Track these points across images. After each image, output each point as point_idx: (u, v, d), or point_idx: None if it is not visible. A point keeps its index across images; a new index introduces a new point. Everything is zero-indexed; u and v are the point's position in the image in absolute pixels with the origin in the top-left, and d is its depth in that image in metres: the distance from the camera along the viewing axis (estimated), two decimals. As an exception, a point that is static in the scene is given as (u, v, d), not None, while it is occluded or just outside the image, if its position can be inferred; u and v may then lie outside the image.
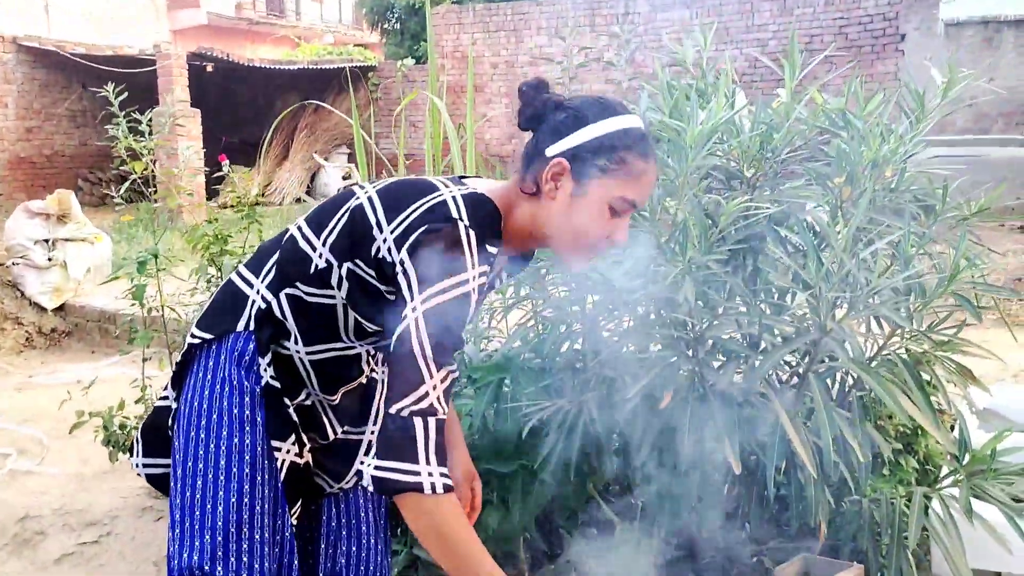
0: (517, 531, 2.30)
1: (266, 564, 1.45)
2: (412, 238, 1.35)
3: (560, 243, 1.43)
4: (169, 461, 1.57)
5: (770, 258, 2.00)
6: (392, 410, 1.29)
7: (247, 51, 16.74)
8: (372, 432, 1.64)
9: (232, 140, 13.05)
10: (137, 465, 1.64)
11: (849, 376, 2.20)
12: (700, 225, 1.90)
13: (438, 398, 1.30)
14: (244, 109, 14.00)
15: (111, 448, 2.89)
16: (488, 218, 1.40)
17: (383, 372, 1.65)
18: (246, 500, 1.45)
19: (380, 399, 1.64)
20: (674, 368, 1.89)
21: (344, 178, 12.47)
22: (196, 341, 1.53)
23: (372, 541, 1.71)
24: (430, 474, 1.28)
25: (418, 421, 1.28)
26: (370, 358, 1.61)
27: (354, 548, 1.69)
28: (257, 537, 1.45)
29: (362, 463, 1.42)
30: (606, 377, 2.02)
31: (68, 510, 3.07)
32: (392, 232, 1.38)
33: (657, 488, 2.15)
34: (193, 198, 8.53)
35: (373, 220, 1.41)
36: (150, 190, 3.16)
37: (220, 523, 1.44)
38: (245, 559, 1.44)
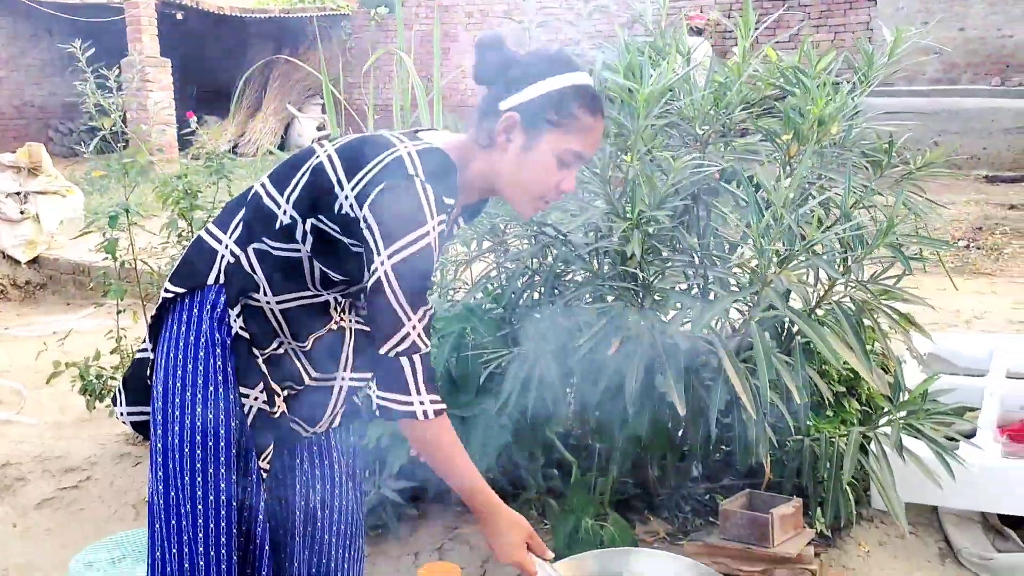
0: (480, 471, 2.42)
1: (234, 505, 1.55)
2: (372, 195, 1.43)
3: (511, 193, 1.54)
4: (150, 409, 1.66)
5: (718, 213, 2.10)
6: (381, 352, 1.44)
7: (217, -2, 16.42)
8: (343, 378, 1.72)
9: (204, 90, 12.91)
10: (122, 414, 1.73)
11: (795, 325, 2.32)
12: (649, 181, 1.99)
13: (419, 335, 1.44)
14: (215, 58, 13.80)
15: (88, 397, 2.98)
16: (443, 172, 1.48)
17: (351, 320, 1.74)
18: (222, 444, 1.54)
19: (349, 347, 1.72)
20: (624, 317, 1.99)
21: (318, 128, 12.40)
22: (169, 295, 1.61)
23: (343, 479, 1.82)
24: (421, 403, 1.44)
25: (404, 360, 1.43)
26: (337, 306, 1.68)
27: (328, 486, 1.79)
28: (223, 477, 1.54)
29: (362, 380, 1.56)
30: (562, 326, 2.12)
31: (47, 457, 3.17)
32: (353, 189, 1.46)
33: (611, 429, 2.27)
34: (163, 153, 8.52)
35: (334, 178, 1.49)
36: (119, 145, 3.19)
37: (199, 464, 1.54)
38: (212, 497, 1.54)
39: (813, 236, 1.91)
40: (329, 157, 1.51)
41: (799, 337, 2.29)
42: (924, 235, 2.34)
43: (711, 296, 2.19)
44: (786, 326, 2.36)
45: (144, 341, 1.70)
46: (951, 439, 2.35)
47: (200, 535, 1.54)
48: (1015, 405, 2.83)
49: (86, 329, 4.47)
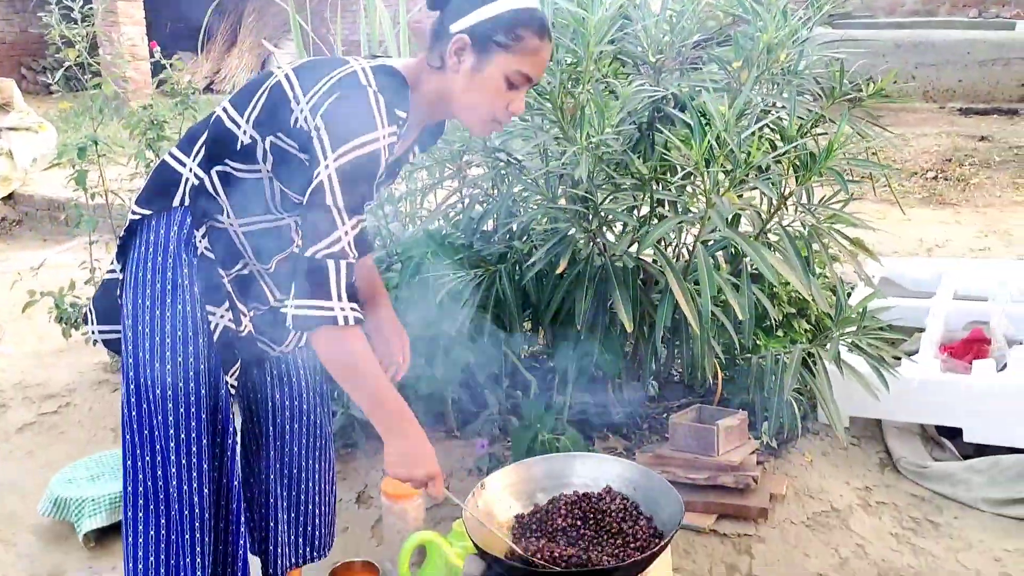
0: (445, 392, 2.53)
1: (203, 416, 1.64)
2: (326, 104, 1.49)
3: (463, 113, 1.59)
4: (120, 327, 1.73)
5: (664, 138, 2.17)
6: (307, 253, 1.46)
7: (189, -70, 16.04)
8: None
9: (177, 25, 12.70)
10: (93, 332, 1.80)
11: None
12: (599, 107, 2.05)
13: (349, 243, 1.48)
14: (188, -8, 13.55)
15: (64, 325, 3.05)
16: (395, 86, 1.55)
17: None
18: (191, 360, 1.62)
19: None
20: (573, 239, 2.07)
21: (295, 64, 12.26)
22: (136, 217, 1.66)
23: (309, 395, 1.91)
24: (342, 309, 1.46)
25: (331, 263, 1.46)
26: (299, 228, 1.72)
27: (295, 402, 1.89)
28: (192, 390, 1.62)
29: (284, 306, 1.54)
30: (516, 248, 2.20)
31: (27, 384, 3.26)
32: (308, 102, 1.52)
33: (566, 349, 2.37)
34: (129, 85, 8.42)
35: (291, 94, 1.54)
36: (86, 77, 3.21)
37: (169, 379, 1.61)
38: (182, 408, 1.62)
39: (755, 159, 1.99)
40: (287, 76, 1.57)
41: (748, 260, 2.38)
42: (874, 161, 2.42)
43: (657, 220, 2.27)
44: (737, 250, 2.45)
45: (112, 263, 1.75)
46: (896, 357, 2.48)
47: (172, 444, 1.62)
48: (958, 325, 2.95)
49: (63, 263, 4.51)
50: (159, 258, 1.62)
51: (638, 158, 2.22)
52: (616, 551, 1.61)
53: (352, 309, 1.48)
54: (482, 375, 2.47)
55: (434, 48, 1.58)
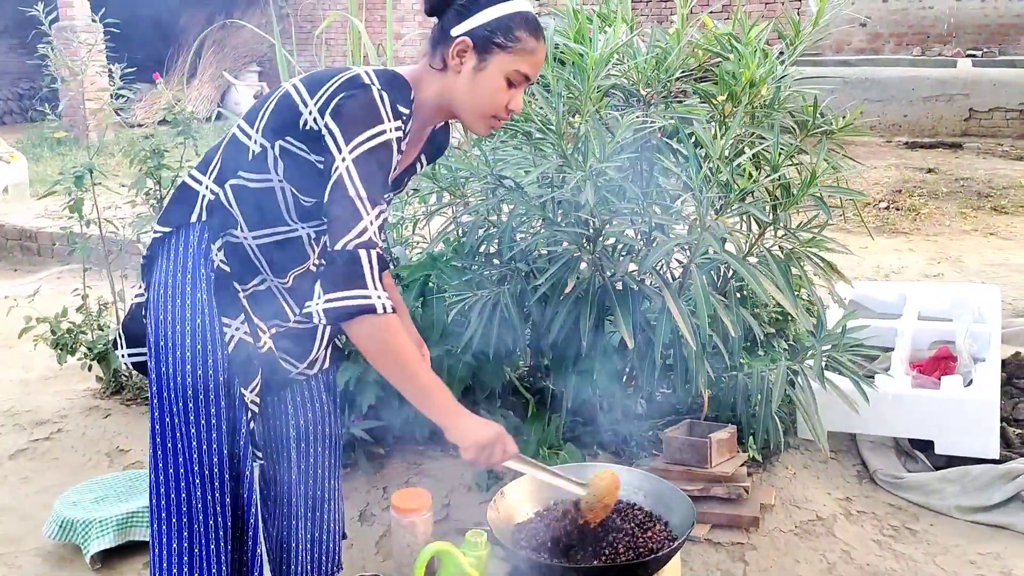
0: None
1: (223, 426, 1.68)
2: (333, 103, 1.56)
3: (465, 111, 1.68)
4: (142, 351, 1.79)
5: (661, 166, 2.30)
6: (338, 247, 1.49)
7: (146, -38, 16.02)
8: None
9: (136, 57, 12.67)
10: (123, 356, 1.85)
11: (730, 270, 2.54)
12: (600, 137, 2.18)
13: (375, 232, 1.53)
14: (147, 25, 13.52)
15: (59, 351, 3.07)
16: (398, 85, 1.63)
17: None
18: (210, 372, 1.66)
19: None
20: (577, 261, 2.19)
21: (255, 96, 12.29)
22: (158, 235, 1.73)
23: (332, 418, 1.96)
24: (379, 297, 1.49)
25: (363, 253, 1.49)
26: (313, 242, 1.77)
27: (320, 427, 1.93)
28: (212, 402, 1.66)
29: (307, 306, 1.53)
30: (520, 270, 2.31)
31: (17, 411, 3.25)
32: (316, 104, 1.59)
33: (564, 368, 2.48)
34: (99, 115, 8.38)
35: (298, 99, 1.62)
36: (48, 109, 3.24)
37: (190, 391, 1.66)
38: (203, 420, 1.67)
39: (746, 186, 2.13)
40: (294, 86, 1.65)
41: (733, 281, 2.52)
42: (846, 188, 2.59)
43: (655, 243, 2.40)
44: (722, 272, 2.59)
45: (139, 286, 1.81)
46: (869, 376, 2.63)
47: (195, 456, 1.68)
48: (923, 344, 3.12)
49: (40, 292, 4.50)
50: (179, 275, 1.68)
51: (632, 184, 2.35)
52: (632, 552, 1.71)
53: (387, 297, 1.51)
54: (483, 393, 2.56)
55: (435, 52, 1.67)
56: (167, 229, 1.72)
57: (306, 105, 1.59)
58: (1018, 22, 10.71)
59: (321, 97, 1.59)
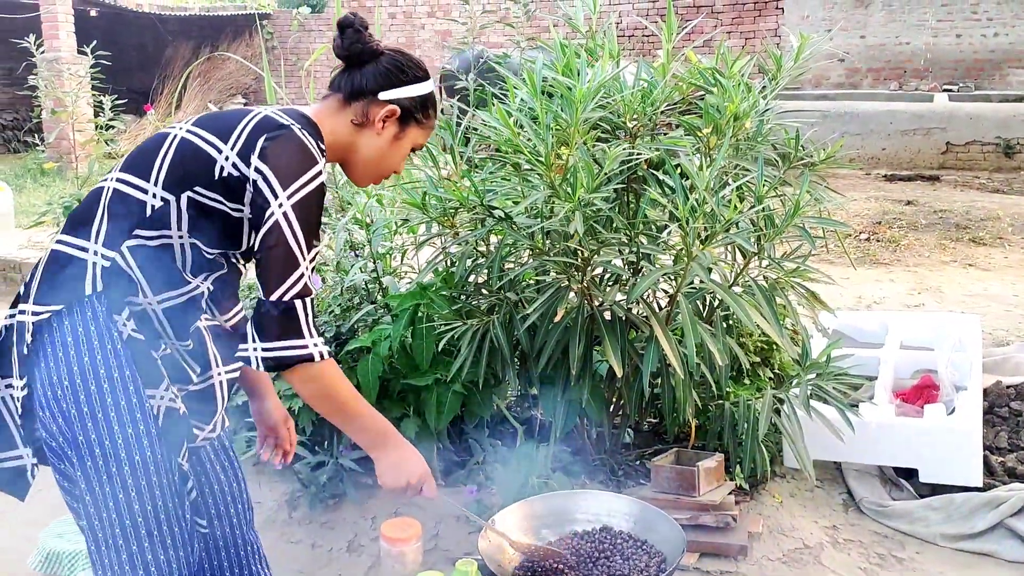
0: (432, 440, 2.61)
1: (171, 505, 1.53)
2: (258, 146, 1.50)
3: (364, 167, 1.72)
4: (7, 454, 1.60)
5: (648, 197, 2.34)
6: (273, 298, 1.48)
7: (132, -5, 16.14)
8: (219, 374, 1.71)
9: (120, 88, 12.70)
10: None
11: (716, 299, 2.58)
12: (588, 169, 2.22)
13: (309, 278, 1.53)
14: (132, 56, 13.59)
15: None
16: (311, 125, 1.63)
17: (207, 319, 1.71)
18: (148, 453, 1.50)
19: (213, 343, 1.71)
20: (566, 290, 2.21)
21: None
22: (41, 317, 1.49)
23: (241, 472, 1.85)
24: (315, 344, 1.51)
25: (298, 303, 1.49)
26: (209, 299, 1.68)
27: (234, 484, 1.82)
28: (157, 487, 1.52)
29: (243, 351, 1.51)
30: (509, 299, 2.33)
31: None
32: (232, 149, 1.51)
33: (552, 397, 2.49)
34: (86, 147, 8.41)
35: (206, 145, 1.52)
36: (31, 141, 3.26)
37: (129, 480, 1.49)
38: (160, 503, 1.52)
39: (732, 216, 2.17)
40: (190, 131, 1.56)
41: (719, 310, 2.55)
42: (826, 218, 2.63)
43: (642, 272, 2.43)
44: (708, 301, 2.62)
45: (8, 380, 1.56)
46: (853, 404, 2.66)
47: (150, 544, 1.53)
48: (906, 372, 3.16)
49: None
50: (86, 357, 1.49)
51: (619, 215, 2.39)
52: (624, 579, 1.71)
53: (324, 343, 1.54)
54: (472, 422, 2.57)
55: (352, 104, 1.67)
56: (55, 307, 1.50)
57: (219, 151, 1.52)
58: (992, 57, 10.94)
59: (237, 141, 1.52)
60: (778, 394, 2.54)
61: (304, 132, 1.55)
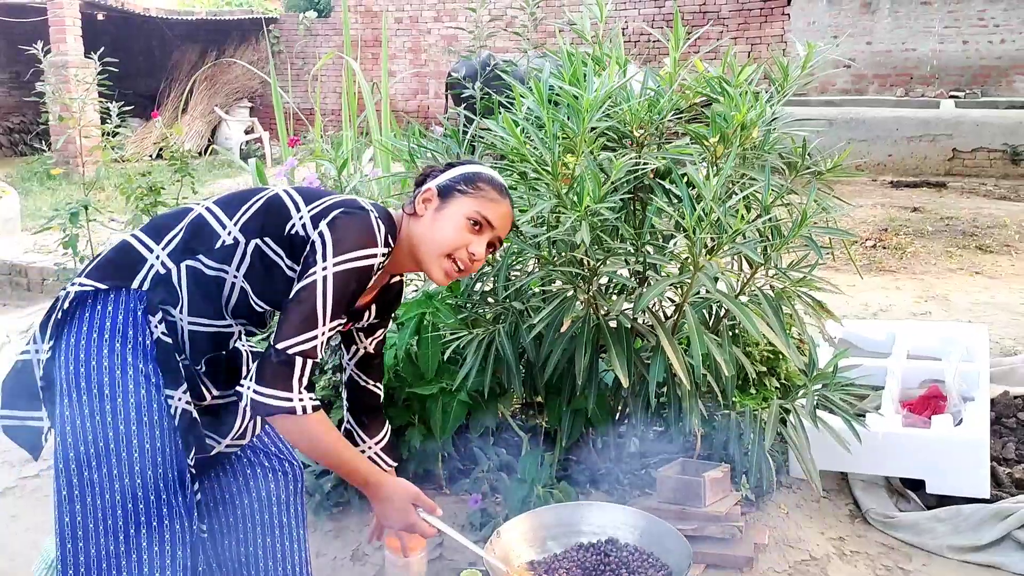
0: (436, 449, 2.61)
1: (174, 501, 1.58)
2: (331, 215, 1.63)
3: (425, 251, 1.72)
4: (30, 414, 1.68)
5: (654, 206, 2.33)
6: (280, 346, 1.55)
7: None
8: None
9: (127, 92, 12.73)
10: None
11: (722, 309, 2.57)
12: (594, 178, 2.21)
13: (321, 344, 1.59)
14: (139, 60, 13.62)
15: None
16: (389, 219, 1.72)
17: (245, 343, 1.85)
18: (158, 445, 1.57)
19: (249, 364, 1.82)
20: (572, 300, 2.21)
21: (246, 132, 12.35)
22: (87, 289, 1.59)
23: (264, 470, 1.89)
24: (300, 399, 1.56)
25: (299, 360, 1.56)
26: (239, 337, 1.79)
27: (246, 480, 1.88)
28: (161, 477, 1.58)
29: (242, 385, 1.58)
30: (515, 308, 2.32)
31: (7, 448, 3.22)
32: (310, 212, 1.65)
33: (558, 406, 2.48)
34: (92, 152, 8.43)
35: (290, 204, 1.68)
36: (38, 144, 3.27)
37: (137, 467, 1.55)
38: (152, 497, 1.57)
39: (738, 227, 2.16)
40: (286, 191, 1.71)
41: (726, 320, 2.54)
42: (835, 228, 2.62)
43: (649, 282, 2.43)
44: (714, 311, 2.61)
45: (32, 341, 1.68)
46: (860, 415, 2.64)
47: (142, 542, 1.57)
48: (914, 383, 3.15)
49: (22, 328, 4.48)
50: (117, 342, 1.58)
51: (626, 224, 2.38)
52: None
53: (311, 399, 1.57)
54: (476, 432, 2.56)
55: (411, 203, 1.77)
56: (101, 285, 1.61)
57: (298, 211, 1.65)
58: (999, 64, 10.91)
59: (317, 207, 1.65)
60: (784, 404, 2.53)
61: (378, 220, 1.65)
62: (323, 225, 1.60)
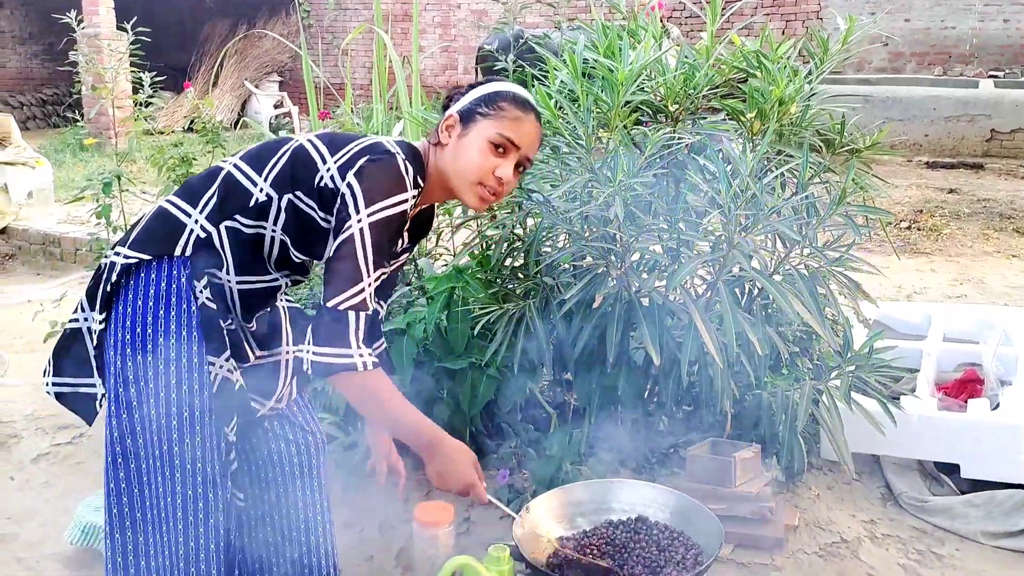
0: (464, 424, 2.60)
1: (208, 470, 1.61)
2: (357, 164, 1.60)
3: (455, 180, 1.70)
4: (83, 380, 1.70)
5: (689, 182, 2.30)
6: (330, 304, 1.55)
7: (171, -28, 16.21)
8: (287, 352, 1.83)
9: (158, 65, 12.79)
10: (47, 384, 1.74)
11: (756, 287, 2.53)
12: (629, 152, 2.18)
13: (370, 295, 1.57)
14: (169, 33, 13.63)
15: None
16: (416, 158, 1.69)
17: (283, 299, 1.86)
18: (197, 413, 1.60)
19: (287, 323, 1.85)
20: (604, 276, 2.18)
21: (275, 106, 12.36)
22: (131, 261, 1.62)
23: (305, 439, 1.91)
24: (360, 355, 1.55)
25: (352, 315, 1.55)
26: (285, 290, 1.81)
27: (292, 449, 1.89)
28: (199, 445, 1.60)
29: (300, 351, 1.61)
30: (545, 284, 2.30)
31: (39, 415, 3.27)
32: (336, 162, 1.62)
33: (587, 383, 2.47)
34: (124, 123, 8.47)
35: (316, 156, 1.65)
36: (73, 117, 3.29)
37: (176, 434, 1.58)
38: (188, 466, 1.60)
39: (775, 203, 2.12)
40: (310, 141, 1.68)
41: (759, 299, 2.51)
42: (871, 207, 2.57)
43: (681, 259, 2.39)
44: (747, 289, 2.57)
45: (80, 310, 1.71)
46: (894, 397, 2.60)
47: (174, 500, 1.60)
48: (949, 366, 3.09)
49: (58, 297, 4.53)
50: (161, 310, 1.60)
51: (659, 200, 2.35)
52: (660, 571, 1.69)
53: (370, 354, 1.57)
54: (505, 407, 2.55)
55: (435, 132, 1.74)
56: (145, 256, 1.63)
57: (324, 162, 1.63)
58: (1041, 43, 10.66)
59: (342, 157, 1.62)
60: (817, 385, 2.49)
61: (406, 163, 1.62)
62: (351, 176, 1.59)
